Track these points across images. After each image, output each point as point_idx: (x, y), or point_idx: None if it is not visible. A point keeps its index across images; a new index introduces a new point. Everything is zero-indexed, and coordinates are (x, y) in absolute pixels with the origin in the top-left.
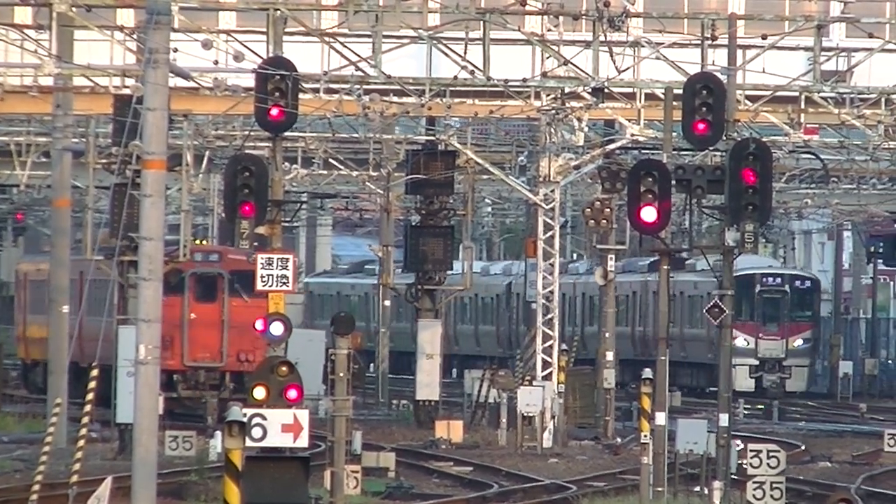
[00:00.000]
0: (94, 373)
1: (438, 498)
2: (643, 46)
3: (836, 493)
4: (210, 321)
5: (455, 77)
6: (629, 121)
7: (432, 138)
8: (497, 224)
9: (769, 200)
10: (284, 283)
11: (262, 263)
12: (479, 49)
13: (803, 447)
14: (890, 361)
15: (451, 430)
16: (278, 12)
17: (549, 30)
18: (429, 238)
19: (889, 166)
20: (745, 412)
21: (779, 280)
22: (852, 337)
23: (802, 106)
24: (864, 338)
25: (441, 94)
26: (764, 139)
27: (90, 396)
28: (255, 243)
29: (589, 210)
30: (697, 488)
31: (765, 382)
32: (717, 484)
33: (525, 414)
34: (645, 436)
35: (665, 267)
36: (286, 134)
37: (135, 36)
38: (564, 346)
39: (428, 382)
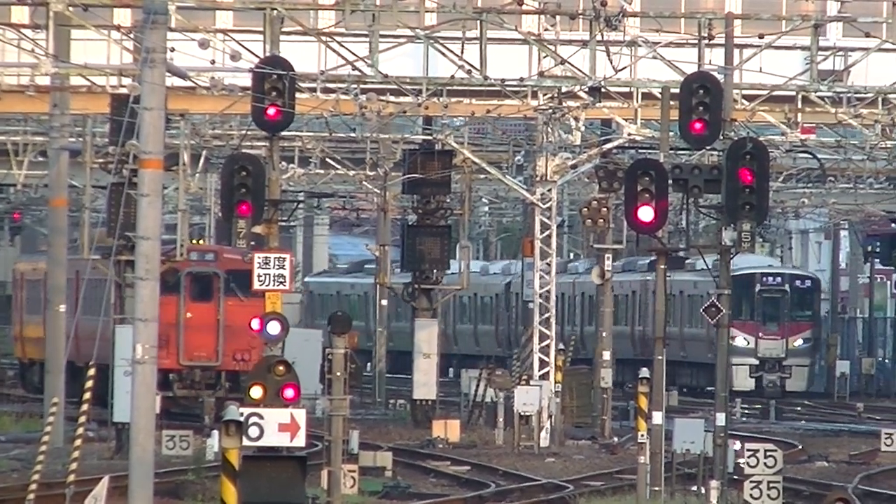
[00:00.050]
0: (91, 372)
1: (435, 497)
2: (640, 46)
3: (833, 492)
4: (206, 320)
5: (452, 76)
6: (626, 120)
7: (429, 138)
8: (494, 223)
9: (766, 200)
10: (281, 283)
11: (258, 263)
12: (476, 48)
13: (800, 446)
14: (887, 361)
15: (448, 430)
16: (275, 12)
17: (546, 29)
18: (426, 237)
19: (886, 166)
20: (743, 412)
21: (779, 279)
22: (849, 336)
23: (799, 105)
24: (861, 337)
25: (438, 93)
26: (761, 138)
27: (87, 396)
28: (252, 243)
29: (586, 209)
30: (694, 488)
31: (765, 382)
32: (714, 483)
33: (522, 413)
34: (642, 435)
35: (662, 266)
36: (283, 133)
37: (132, 35)
38: (561, 346)
39: (425, 382)
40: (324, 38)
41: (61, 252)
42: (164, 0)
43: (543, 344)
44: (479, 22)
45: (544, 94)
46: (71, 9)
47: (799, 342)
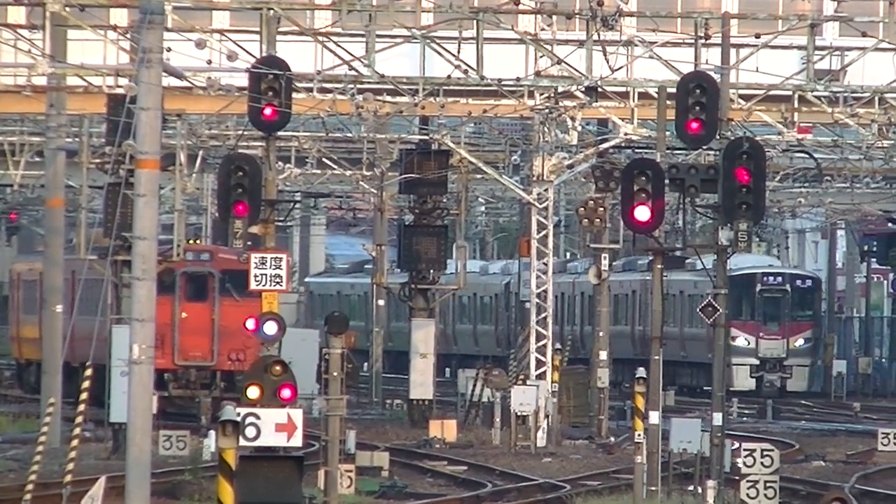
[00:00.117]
0: (88, 372)
1: (432, 497)
2: (636, 45)
3: (830, 492)
4: (201, 320)
5: (448, 76)
6: (623, 120)
7: (426, 137)
8: (491, 223)
9: (763, 199)
10: (278, 283)
11: (255, 263)
12: (473, 48)
13: (797, 446)
14: (884, 360)
15: (444, 430)
16: (272, 12)
17: (543, 29)
18: (422, 237)
19: (882, 165)
20: (740, 411)
21: (779, 279)
22: (846, 336)
23: (796, 105)
24: (858, 337)
25: (434, 93)
26: (757, 138)
27: (84, 396)
28: (249, 243)
29: (582, 209)
30: (691, 487)
31: (765, 382)
32: (710, 483)
33: (519, 413)
34: (639, 435)
35: (659, 266)
36: (280, 133)
37: (128, 35)
38: (558, 346)
39: (422, 382)
40: (320, 38)
41: (58, 252)
42: (161, 0)
43: (540, 344)
44: (475, 22)
45: (541, 94)
46: (67, 9)
47: (800, 342)
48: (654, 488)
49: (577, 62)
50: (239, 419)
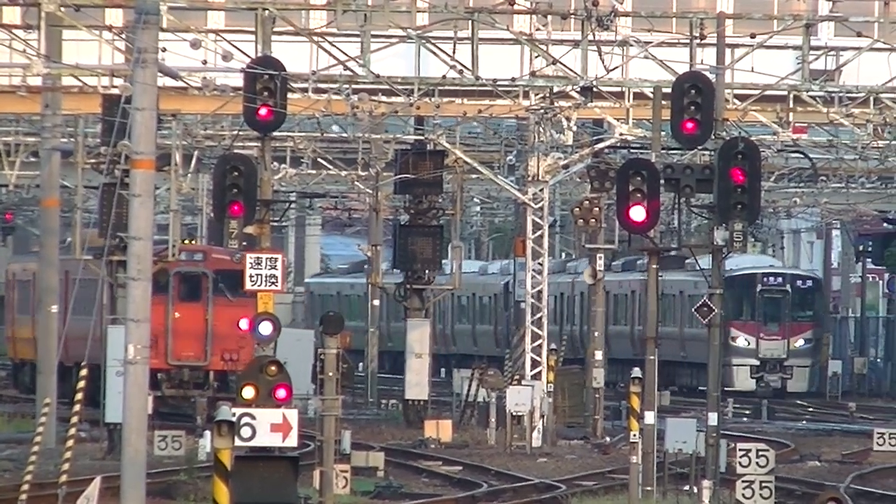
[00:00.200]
0: (84, 372)
1: (428, 497)
2: (632, 45)
3: (826, 492)
4: (194, 321)
5: (444, 76)
6: (618, 120)
7: (421, 138)
8: (486, 223)
9: (758, 199)
10: (273, 283)
11: (250, 263)
12: (468, 48)
13: (792, 446)
14: (879, 360)
15: (440, 430)
16: (267, 12)
17: (538, 29)
18: (418, 237)
19: (877, 165)
20: (735, 411)
21: (780, 280)
22: (841, 336)
23: (791, 105)
24: (853, 337)
25: (430, 93)
26: (753, 138)
27: (79, 396)
28: (244, 243)
29: (578, 209)
30: (687, 487)
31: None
32: (706, 483)
33: (514, 413)
34: (634, 435)
35: (654, 266)
36: (275, 133)
37: (123, 36)
38: (553, 346)
39: (417, 382)
40: (315, 39)
41: (53, 252)
42: (156, 0)
43: (535, 344)
44: (470, 22)
45: (536, 94)
46: (62, 9)
47: (800, 343)
48: (649, 488)
49: (572, 62)
50: (234, 419)
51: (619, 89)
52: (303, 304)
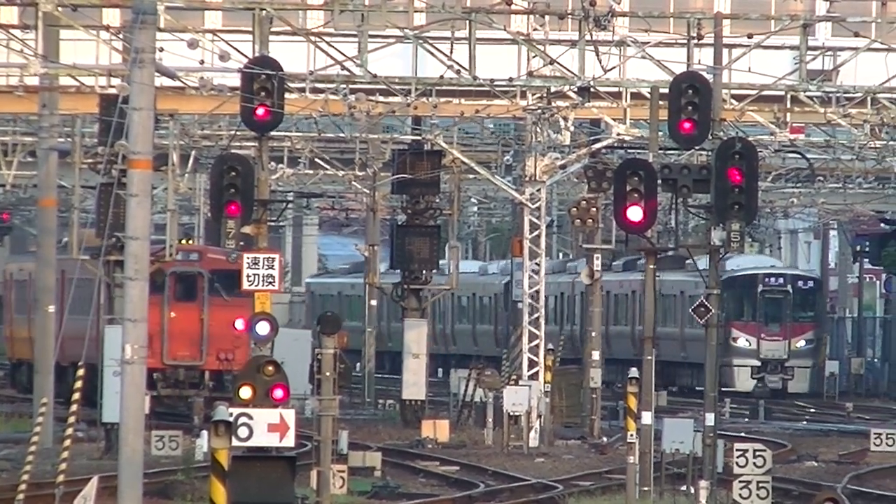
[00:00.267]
0: (81, 372)
1: (425, 497)
2: (629, 46)
3: (823, 492)
4: (190, 320)
5: (441, 76)
6: (615, 120)
7: (418, 138)
8: (483, 223)
9: (755, 200)
10: (270, 283)
11: (248, 263)
12: (465, 48)
13: (790, 446)
14: (876, 361)
15: (437, 430)
16: (264, 12)
17: (535, 29)
18: (415, 237)
19: (875, 165)
20: (733, 412)
21: (781, 280)
22: (838, 336)
23: (788, 105)
24: (851, 337)
25: (427, 93)
26: (750, 138)
27: (76, 396)
28: (242, 243)
29: (575, 209)
30: (684, 487)
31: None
32: (703, 483)
33: (511, 413)
34: (631, 435)
35: (651, 266)
36: (272, 133)
37: (121, 35)
38: (550, 346)
39: (414, 382)
40: (313, 39)
41: (50, 252)
42: (153, 0)
43: (533, 344)
44: (468, 22)
45: (533, 94)
46: (60, 9)
47: (801, 343)
48: (646, 488)
49: (569, 62)
50: (231, 419)
51: (616, 89)
52: (304, 304)
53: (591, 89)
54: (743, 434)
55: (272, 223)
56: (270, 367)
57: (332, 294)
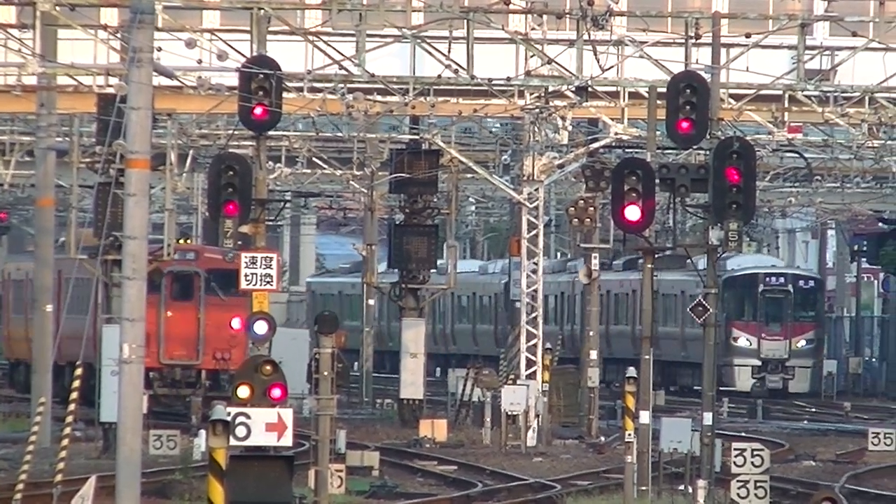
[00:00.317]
0: (78, 372)
1: (423, 497)
2: (627, 45)
3: (821, 491)
4: (186, 320)
5: (439, 76)
6: (613, 119)
7: (416, 137)
8: (481, 223)
9: (753, 199)
10: (268, 283)
11: (246, 262)
12: (463, 48)
13: (787, 446)
14: (874, 360)
15: (435, 429)
16: (262, 11)
17: (533, 28)
18: (413, 237)
19: (873, 165)
20: (732, 411)
21: (782, 280)
22: (836, 336)
23: (786, 104)
24: (849, 336)
25: (425, 92)
26: (748, 138)
27: (74, 395)
28: (239, 242)
29: (573, 209)
30: (682, 487)
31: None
32: (701, 483)
33: (509, 413)
34: (629, 434)
35: (649, 266)
36: (270, 133)
37: (119, 35)
38: (548, 345)
39: (412, 381)
40: (311, 38)
41: (48, 252)
42: (151, 0)
43: (531, 343)
44: (465, 21)
45: (531, 94)
46: (58, 8)
47: (802, 343)
48: (644, 488)
49: (567, 62)
50: (229, 419)
51: (614, 89)
52: (304, 303)
53: (589, 89)
54: (741, 434)
55: (270, 222)
56: (268, 367)
57: (332, 293)
